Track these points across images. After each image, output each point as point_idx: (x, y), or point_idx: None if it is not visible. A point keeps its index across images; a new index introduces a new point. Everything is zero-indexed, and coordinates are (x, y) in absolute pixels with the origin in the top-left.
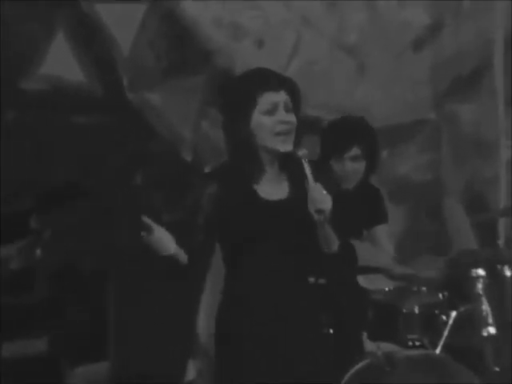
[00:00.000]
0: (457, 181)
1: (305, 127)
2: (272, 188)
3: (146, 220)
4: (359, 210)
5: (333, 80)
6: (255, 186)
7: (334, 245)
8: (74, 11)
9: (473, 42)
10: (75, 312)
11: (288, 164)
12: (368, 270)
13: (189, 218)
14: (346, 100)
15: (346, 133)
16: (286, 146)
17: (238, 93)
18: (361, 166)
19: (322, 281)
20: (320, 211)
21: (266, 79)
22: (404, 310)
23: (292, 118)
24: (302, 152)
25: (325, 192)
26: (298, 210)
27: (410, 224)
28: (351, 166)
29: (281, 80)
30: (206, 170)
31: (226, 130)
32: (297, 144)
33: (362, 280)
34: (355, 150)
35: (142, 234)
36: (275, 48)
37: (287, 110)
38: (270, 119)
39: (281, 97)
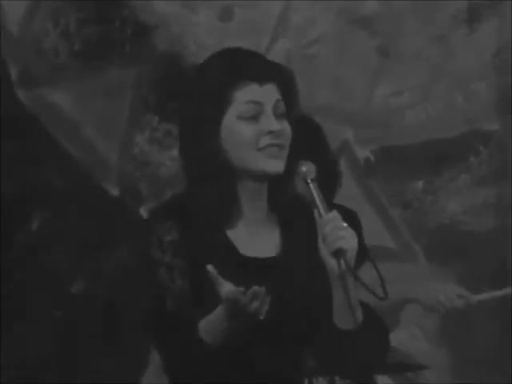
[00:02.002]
0: None
1: None
2: (255, 237)
3: None
4: None
5: (340, 71)
6: (229, 234)
7: (357, 314)
8: None
9: None
10: None
11: (278, 195)
12: (399, 368)
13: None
14: (361, 102)
15: None
16: (276, 165)
17: (201, 84)
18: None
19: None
20: (340, 252)
21: (246, 64)
22: None
23: (284, 126)
24: (305, 167)
25: (345, 224)
26: (298, 276)
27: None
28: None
29: (269, 67)
30: (145, 209)
31: (183, 143)
32: (294, 159)
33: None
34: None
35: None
36: (250, 22)
37: (278, 115)
38: (251, 127)
39: (268, 93)
